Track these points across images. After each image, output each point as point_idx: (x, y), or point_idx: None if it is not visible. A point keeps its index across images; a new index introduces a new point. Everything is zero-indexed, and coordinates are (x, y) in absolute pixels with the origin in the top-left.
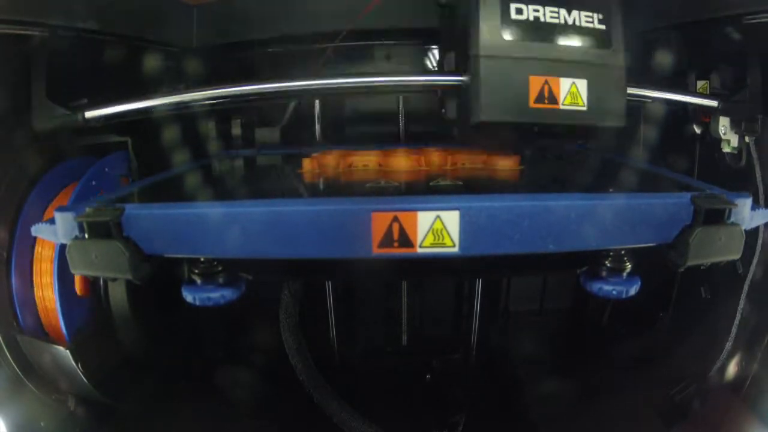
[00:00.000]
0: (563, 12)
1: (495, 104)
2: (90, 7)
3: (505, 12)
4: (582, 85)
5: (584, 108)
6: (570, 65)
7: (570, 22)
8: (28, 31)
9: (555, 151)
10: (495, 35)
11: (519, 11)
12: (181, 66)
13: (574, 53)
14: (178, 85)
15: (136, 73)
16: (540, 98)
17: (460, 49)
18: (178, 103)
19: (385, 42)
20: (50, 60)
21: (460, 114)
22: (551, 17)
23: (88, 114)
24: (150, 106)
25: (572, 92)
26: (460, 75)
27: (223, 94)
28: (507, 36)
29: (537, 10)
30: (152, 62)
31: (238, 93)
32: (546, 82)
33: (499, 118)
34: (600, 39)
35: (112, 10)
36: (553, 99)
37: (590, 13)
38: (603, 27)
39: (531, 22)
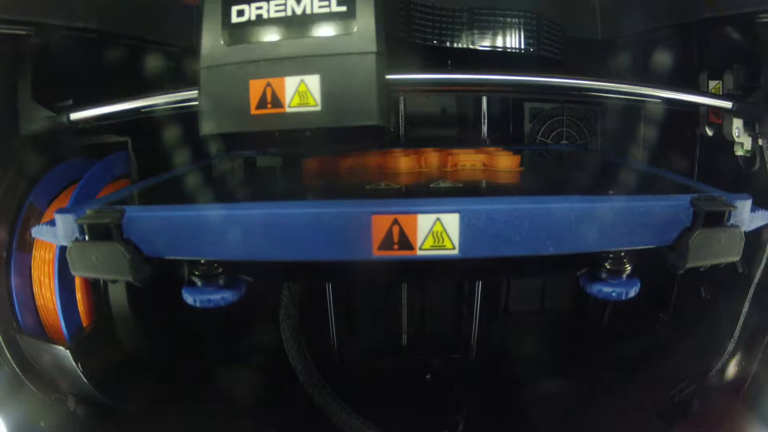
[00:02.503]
0: (291, 3)
1: (215, 116)
2: (90, 7)
3: (226, 17)
4: (313, 81)
5: (317, 108)
6: (298, 61)
7: (299, 12)
8: (17, 30)
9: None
10: (215, 44)
11: (240, 13)
12: (181, 66)
13: (302, 47)
14: (178, 85)
15: (136, 73)
16: (262, 103)
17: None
18: (169, 103)
19: None
20: (42, 60)
21: None
22: (276, 11)
23: (74, 116)
24: (140, 107)
25: (300, 91)
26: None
27: None
28: (227, 42)
29: (260, 8)
30: (152, 62)
31: None
32: (268, 84)
33: (220, 130)
34: (340, 24)
35: (111, 10)
36: (278, 102)
37: None
38: (343, 8)
39: (254, 22)
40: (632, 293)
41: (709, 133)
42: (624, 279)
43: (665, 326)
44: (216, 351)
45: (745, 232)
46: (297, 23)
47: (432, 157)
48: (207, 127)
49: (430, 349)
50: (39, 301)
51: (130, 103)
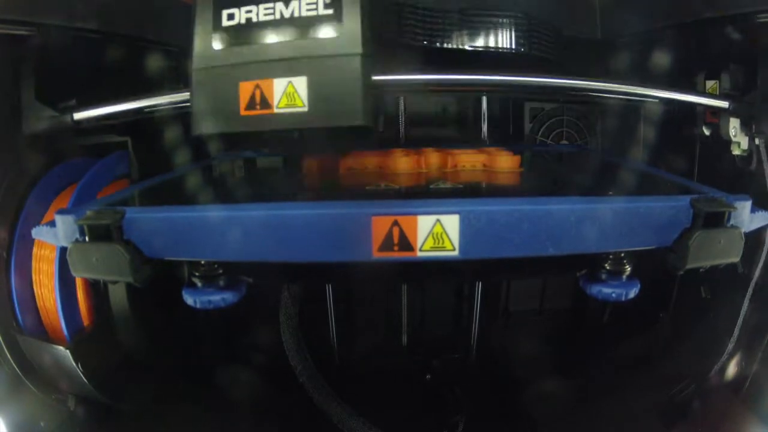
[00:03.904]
0: (279, 6)
1: (207, 116)
2: (90, 7)
3: (217, 20)
4: (300, 83)
5: (304, 109)
6: (285, 63)
7: (287, 15)
8: (19, 31)
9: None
10: (206, 46)
11: (231, 17)
12: (181, 66)
13: (289, 49)
14: (178, 85)
15: (136, 73)
16: (252, 104)
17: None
18: (171, 103)
19: None
20: (45, 60)
21: None
22: (265, 15)
23: (77, 115)
24: (142, 107)
25: (288, 93)
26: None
27: None
28: (217, 45)
29: (249, 11)
30: (152, 62)
31: None
32: (257, 86)
33: (211, 130)
34: (327, 26)
35: (111, 10)
36: (266, 103)
37: (312, 0)
38: (330, 11)
39: (243, 25)
40: (632, 294)
41: (707, 132)
42: (624, 280)
43: (665, 326)
44: (216, 351)
45: (744, 233)
46: (285, 26)
47: (432, 158)
48: (199, 128)
49: (430, 349)
50: (39, 301)
51: (132, 103)
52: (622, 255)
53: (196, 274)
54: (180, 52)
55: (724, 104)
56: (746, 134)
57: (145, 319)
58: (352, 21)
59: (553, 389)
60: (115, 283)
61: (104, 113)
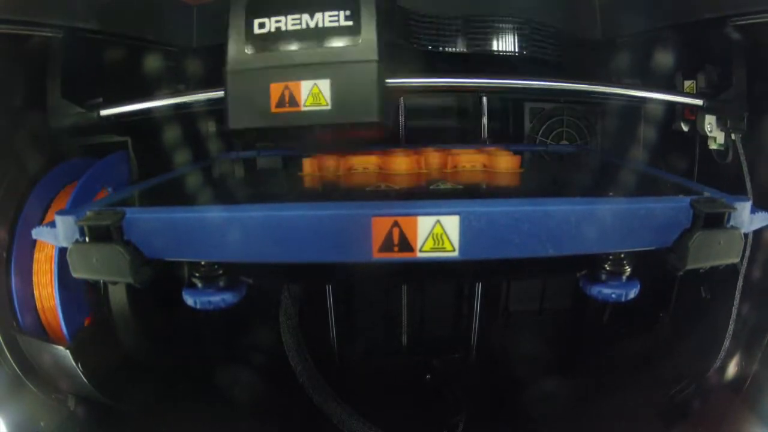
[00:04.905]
0: (305, 17)
1: (241, 113)
2: (90, 7)
3: (249, 28)
4: (324, 85)
5: (328, 107)
6: (311, 68)
7: (312, 25)
8: (37, 32)
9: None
10: (239, 51)
11: (262, 25)
12: (180, 66)
13: (314, 56)
14: (178, 85)
15: (136, 73)
16: (281, 103)
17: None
18: (193, 103)
19: None
20: (70, 60)
21: None
22: (293, 25)
23: (104, 112)
24: (163, 105)
25: (314, 93)
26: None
27: None
28: (250, 50)
29: (279, 21)
30: (152, 62)
31: None
32: (286, 87)
33: (245, 125)
34: (347, 36)
35: (111, 10)
36: (294, 102)
37: (335, 12)
38: (350, 23)
39: (273, 33)
40: (632, 295)
41: (684, 128)
42: (624, 280)
43: (665, 326)
44: (216, 351)
45: (744, 233)
46: (311, 35)
47: (432, 158)
48: (234, 123)
49: (430, 349)
50: (39, 301)
51: (156, 101)
52: (622, 255)
53: (196, 274)
54: (180, 52)
55: (699, 102)
56: (722, 130)
57: (145, 319)
58: (369, 31)
59: (553, 389)
60: (115, 283)
61: (129, 110)
